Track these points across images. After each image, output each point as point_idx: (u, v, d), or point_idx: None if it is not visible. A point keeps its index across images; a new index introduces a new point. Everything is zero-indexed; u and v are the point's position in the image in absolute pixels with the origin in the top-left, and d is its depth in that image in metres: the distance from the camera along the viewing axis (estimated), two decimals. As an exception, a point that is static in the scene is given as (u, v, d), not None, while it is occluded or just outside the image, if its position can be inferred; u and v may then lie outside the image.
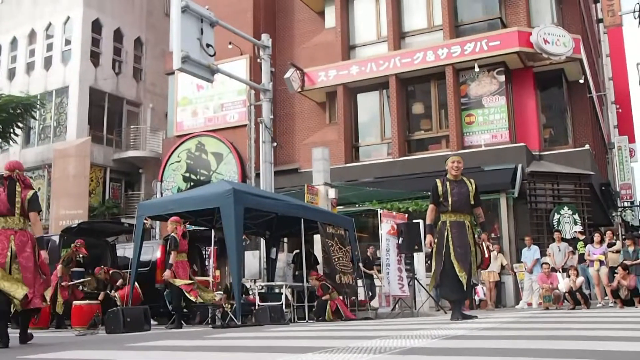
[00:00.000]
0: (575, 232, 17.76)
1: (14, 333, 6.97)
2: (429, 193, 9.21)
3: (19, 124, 25.23)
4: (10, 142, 26.04)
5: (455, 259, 8.49)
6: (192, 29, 14.13)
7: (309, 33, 25.19)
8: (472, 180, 8.97)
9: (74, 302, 12.67)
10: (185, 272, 11.56)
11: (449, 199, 8.70)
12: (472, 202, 8.82)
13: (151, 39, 34.01)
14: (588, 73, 22.69)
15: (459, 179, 8.89)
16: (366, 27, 23.78)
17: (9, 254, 7.14)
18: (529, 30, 20.41)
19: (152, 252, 15.13)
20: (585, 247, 16.44)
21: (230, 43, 22.77)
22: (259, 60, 17.36)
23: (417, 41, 22.53)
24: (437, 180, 8.91)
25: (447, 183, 8.81)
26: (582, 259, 16.44)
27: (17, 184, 7.41)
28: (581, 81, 21.82)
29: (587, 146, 20.96)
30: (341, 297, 14.20)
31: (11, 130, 24.93)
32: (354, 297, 14.48)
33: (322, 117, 24.63)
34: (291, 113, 24.95)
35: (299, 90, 23.28)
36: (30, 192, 7.50)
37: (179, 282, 11.34)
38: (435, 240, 8.81)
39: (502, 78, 21.03)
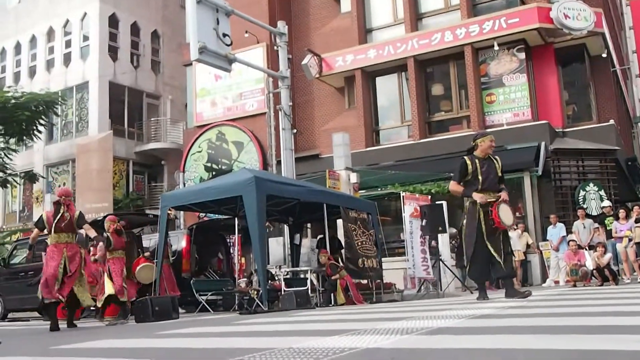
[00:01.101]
0: (604, 207, 17.53)
1: (44, 325, 7.08)
2: (451, 174, 9.11)
3: (42, 121, 25.47)
4: (34, 139, 26.30)
5: (487, 239, 8.37)
6: (208, 19, 14.13)
7: (324, 18, 25.10)
8: (497, 158, 8.83)
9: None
10: (119, 268, 11.61)
11: (479, 177, 8.55)
12: (500, 175, 8.71)
13: (167, 32, 34.12)
14: (611, 47, 22.39)
15: (486, 157, 8.75)
16: (382, 10, 23.60)
17: (62, 261, 9.13)
18: (549, 6, 20.15)
19: (178, 242, 15.24)
20: (613, 223, 16.27)
21: (246, 32, 22.78)
22: (275, 47, 17.34)
23: (434, 22, 22.34)
24: (466, 158, 8.70)
25: (477, 161, 8.65)
26: (610, 234, 16.28)
27: (62, 207, 9.32)
28: (604, 55, 21.53)
29: (611, 121, 20.70)
30: (363, 280, 14.26)
31: (34, 127, 25.17)
32: (379, 280, 14.48)
33: (341, 102, 24.57)
34: (310, 99, 24.93)
35: (317, 76, 23.24)
36: (77, 212, 9.55)
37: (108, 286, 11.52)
38: (465, 222, 8.69)
39: (522, 55, 20.82)
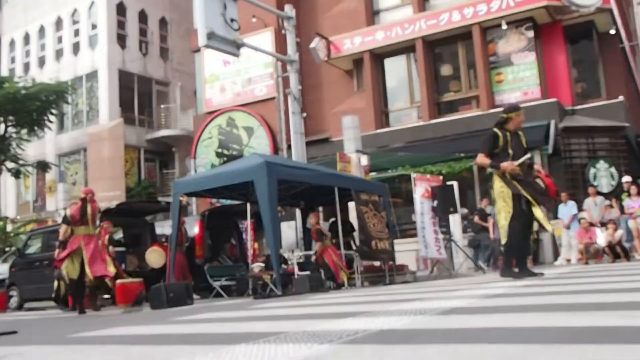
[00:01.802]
0: (624, 182, 17.30)
1: (61, 314, 7.17)
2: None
3: (53, 111, 25.60)
4: (45, 129, 26.45)
5: (534, 201, 8.14)
6: (215, 4, 14.13)
7: (332, 1, 24.98)
8: (521, 132, 8.68)
9: (118, 281, 12.90)
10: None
11: (510, 150, 8.33)
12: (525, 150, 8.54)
13: (175, 18, 34.12)
14: (619, 23, 22.20)
15: (515, 131, 8.56)
16: (389, -9, 23.52)
17: (79, 248, 10.50)
18: (556, -17, 19.99)
19: (190, 228, 15.31)
20: (625, 200, 16.24)
21: (253, 16, 22.75)
22: (283, 31, 17.32)
23: (442, 2, 22.21)
24: (496, 130, 8.45)
25: (508, 134, 8.43)
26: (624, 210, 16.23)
27: (88, 205, 10.61)
28: (612, 32, 21.38)
29: (620, 98, 20.58)
30: (376, 262, 14.32)
31: (45, 117, 25.32)
32: (391, 262, 14.52)
33: (350, 85, 24.53)
34: (319, 83, 24.89)
35: (325, 59, 23.19)
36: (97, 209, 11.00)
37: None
38: (502, 196, 8.28)
39: (531, 34, 20.70)
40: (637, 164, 23.24)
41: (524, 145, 8.57)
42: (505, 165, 8.14)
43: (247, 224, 15.93)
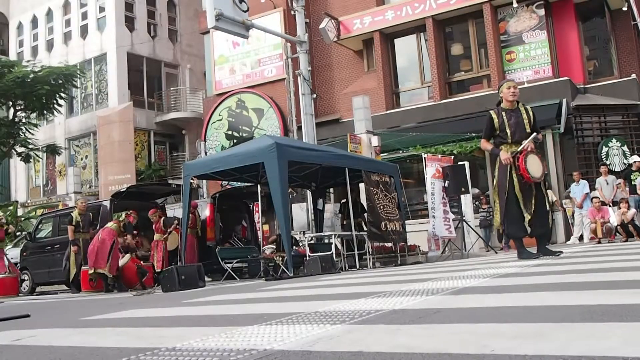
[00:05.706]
0: (634, 162, 17.12)
1: (73, 297, 7.23)
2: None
3: (62, 95, 25.62)
4: (55, 112, 26.49)
5: (520, 191, 7.91)
6: (224, -15, 14.05)
7: (341, -19, 24.83)
8: (528, 107, 8.24)
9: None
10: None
11: (507, 130, 8.03)
12: (529, 131, 8.06)
13: (184, 0, 33.99)
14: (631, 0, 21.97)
15: (514, 107, 8.19)
16: (399, -30, 23.32)
17: None
18: (568, -40, 19.77)
19: (201, 210, 15.33)
20: (638, 178, 16.13)
21: (262, -3, 22.62)
22: (292, 12, 17.23)
23: (451, -20, 22.03)
24: (492, 112, 8.21)
25: (503, 113, 8.11)
26: (635, 190, 16.12)
27: None
28: (624, 9, 21.13)
29: (633, 76, 20.40)
30: (387, 243, 14.33)
31: (54, 101, 25.35)
32: (403, 243, 14.51)
33: (360, 66, 24.43)
34: (329, 63, 24.80)
35: (335, 39, 23.08)
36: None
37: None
38: (496, 174, 8.12)
39: (542, 12, 20.50)
40: (650, 142, 23.06)
41: (528, 121, 8.14)
42: (503, 158, 7.92)
43: (258, 205, 15.94)
